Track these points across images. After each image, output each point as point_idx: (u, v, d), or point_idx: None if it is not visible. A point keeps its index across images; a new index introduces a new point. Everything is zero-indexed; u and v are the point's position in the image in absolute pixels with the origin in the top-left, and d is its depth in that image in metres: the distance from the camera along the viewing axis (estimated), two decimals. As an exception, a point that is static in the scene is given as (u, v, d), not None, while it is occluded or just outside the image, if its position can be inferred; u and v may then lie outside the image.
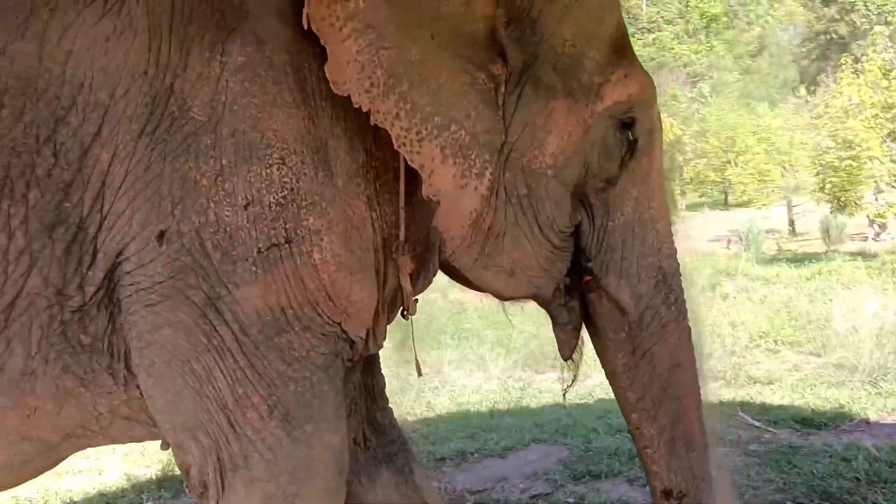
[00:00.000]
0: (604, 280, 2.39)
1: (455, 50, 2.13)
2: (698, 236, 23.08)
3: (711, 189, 30.09)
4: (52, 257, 1.91)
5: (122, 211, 1.93)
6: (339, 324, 2.11)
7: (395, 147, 2.05)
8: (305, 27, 1.97)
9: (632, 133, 2.37)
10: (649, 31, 44.20)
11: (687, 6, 45.69)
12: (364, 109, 2.00)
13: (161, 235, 1.93)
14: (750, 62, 43.86)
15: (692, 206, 30.66)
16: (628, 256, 2.38)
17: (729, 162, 26.67)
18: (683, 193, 28.20)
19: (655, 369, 2.45)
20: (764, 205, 24.76)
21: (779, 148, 24.99)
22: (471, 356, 8.55)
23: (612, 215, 2.38)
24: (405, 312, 2.42)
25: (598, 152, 2.34)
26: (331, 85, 1.98)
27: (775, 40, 44.04)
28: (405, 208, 2.19)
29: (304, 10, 1.96)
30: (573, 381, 2.62)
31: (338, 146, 2.07)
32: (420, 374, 2.56)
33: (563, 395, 2.72)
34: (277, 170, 1.96)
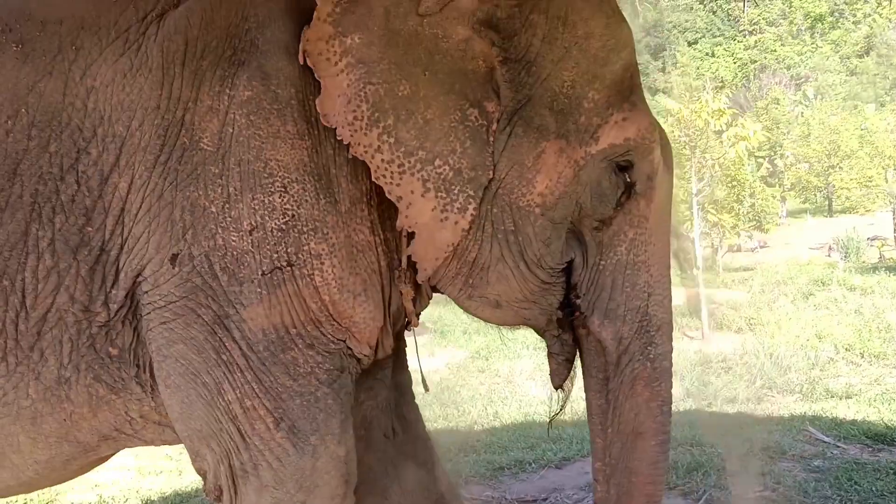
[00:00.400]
0: (589, 318, 2.36)
1: (450, 87, 2.19)
2: (799, 244, 22.44)
3: (815, 195, 29.16)
4: (77, 277, 2.11)
5: (140, 235, 2.11)
6: (344, 341, 2.24)
7: (374, 179, 2.13)
8: (301, 62, 2.10)
9: (629, 176, 2.33)
10: (751, 33, 43.15)
11: (790, 6, 44.37)
12: (345, 142, 2.11)
13: (174, 258, 2.10)
14: (857, 62, 42.38)
15: (794, 213, 29.79)
16: (616, 298, 2.34)
17: (833, 167, 25.79)
18: (784, 200, 27.40)
19: (619, 427, 2.36)
20: (868, 210, 23.81)
21: (884, 151, 24.01)
22: (545, 367, 8.55)
23: (605, 255, 2.35)
24: (408, 326, 2.56)
25: (592, 193, 2.31)
26: (321, 118, 2.10)
27: (884, 39, 42.34)
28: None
29: (301, 46, 2.09)
30: (561, 409, 2.58)
31: (340, 174, 2.19)
32: (427, 389, 2.65)
33: (549, 423, 2.69)
34: (279, 197, 2.10)
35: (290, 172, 2.12)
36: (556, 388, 2.52)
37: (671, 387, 2.41)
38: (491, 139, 2.21)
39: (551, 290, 2.37)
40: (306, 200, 2.13)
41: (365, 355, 2.31)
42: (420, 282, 2.33)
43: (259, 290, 2.10)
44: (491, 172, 2.22)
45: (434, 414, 7.08)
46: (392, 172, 2.13)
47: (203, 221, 2.10)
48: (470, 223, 2.21)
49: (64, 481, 2.63)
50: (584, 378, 2.47)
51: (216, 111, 2.13)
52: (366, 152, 2.11)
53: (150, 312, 2.13)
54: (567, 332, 2.43)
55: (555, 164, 2.25)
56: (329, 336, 2.20)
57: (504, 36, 2.22)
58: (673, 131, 11.33)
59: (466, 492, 4.86)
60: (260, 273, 2.10)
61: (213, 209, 2.10)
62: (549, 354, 2.49)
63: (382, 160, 2.12)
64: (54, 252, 2.09)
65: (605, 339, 2.34)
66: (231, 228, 2.10)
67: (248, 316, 2.11)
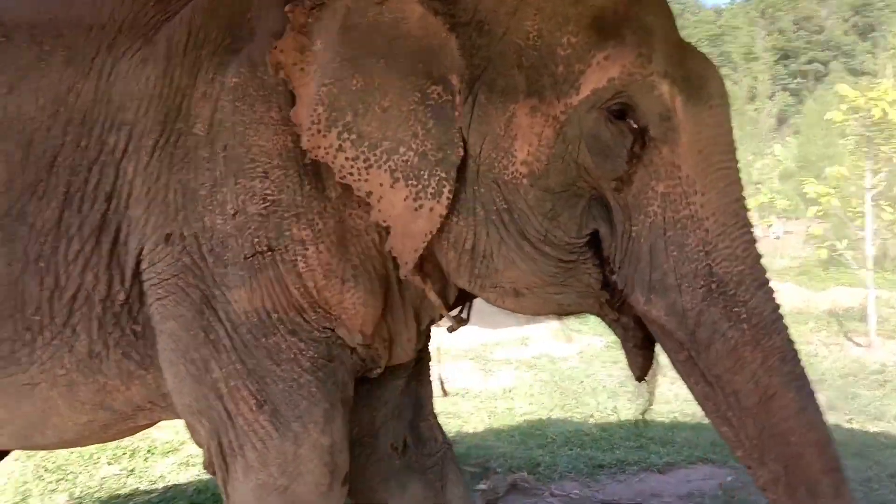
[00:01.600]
0: (631, 296, 2.06)
1: (411, 68, 2.08)
2: None
3: None
4: (99, 258, 2.23)
5: (141, 216, 2.21)
6: (333, 329, 2.23)
7: (338, 180, 2.08)
8: (274, 74, 2.10)
9: (634, 121, 2.07)
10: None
11: None
12: (305, 148, 2.07)
13: (167, 238, 2.18)
14: None
15: None
16: (659, 266, 2.00)
17: None
18: None
19: (739, 402, 1.98)
20: None
21: None
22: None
23: (634, 219, 2.03)
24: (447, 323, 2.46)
25: (590, 150, 2.03)
26: (295, 128, 2.10)
27: None
28: None
29: (271, 58, 2.09)
30: (647, 407, 2.31)
31: None
32: (445, 394, 2.58)
33: (637, 423, 2.51)
34: (260, 182, 2.13)
35: (273, 158, 2.14)
36: (638, 380, 2.21)
37: (787, 335, 2.00)
38: (457, 114, 2.07)
39: (579, 268, 2.09)
40: (288, 186, 2.14)
41: (359, 344, 2.29)
42: (402, 277, 2.24)
43: (241, 273, 2.14)
44: (461, 150, 2.06)
45: (551, 402, 6.94)
46: (358, 169, 2.06)
47: (193, 204, 2.17)
48: (447, 207, 2.07)
49: (107, 441, 2.80)
50: (673, 366, 2.12)
51: (209, 97, 2.20)
52: (326, 154, 2.06)
53: (148, 290, 2.22)
54: (625, 315, 2.13)
55: (530, 126, 2.03)
56: (313, 323, 2.20)
57: (448, 0, 2.11)
58: (847, 121, 10.48)
59: (556, 487, 4.76)
60: (242, 257, 2.14)
61: (203, 192, 2.16)
62: (623, 343, 2.20)
63: (346, 158, 2.06)
64: (82, 236, 2.23)
65: (657, 316, 2.01)
66: (217, 212, 2.15)
67: (233, 298, 2.16)
